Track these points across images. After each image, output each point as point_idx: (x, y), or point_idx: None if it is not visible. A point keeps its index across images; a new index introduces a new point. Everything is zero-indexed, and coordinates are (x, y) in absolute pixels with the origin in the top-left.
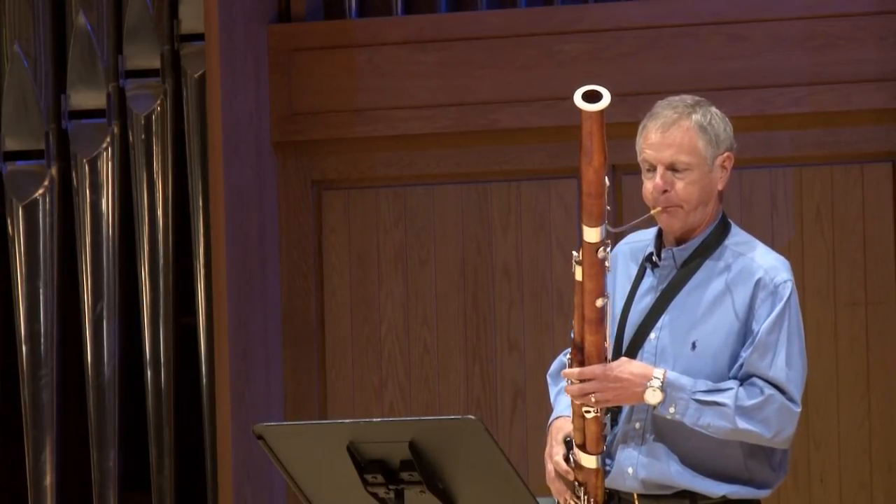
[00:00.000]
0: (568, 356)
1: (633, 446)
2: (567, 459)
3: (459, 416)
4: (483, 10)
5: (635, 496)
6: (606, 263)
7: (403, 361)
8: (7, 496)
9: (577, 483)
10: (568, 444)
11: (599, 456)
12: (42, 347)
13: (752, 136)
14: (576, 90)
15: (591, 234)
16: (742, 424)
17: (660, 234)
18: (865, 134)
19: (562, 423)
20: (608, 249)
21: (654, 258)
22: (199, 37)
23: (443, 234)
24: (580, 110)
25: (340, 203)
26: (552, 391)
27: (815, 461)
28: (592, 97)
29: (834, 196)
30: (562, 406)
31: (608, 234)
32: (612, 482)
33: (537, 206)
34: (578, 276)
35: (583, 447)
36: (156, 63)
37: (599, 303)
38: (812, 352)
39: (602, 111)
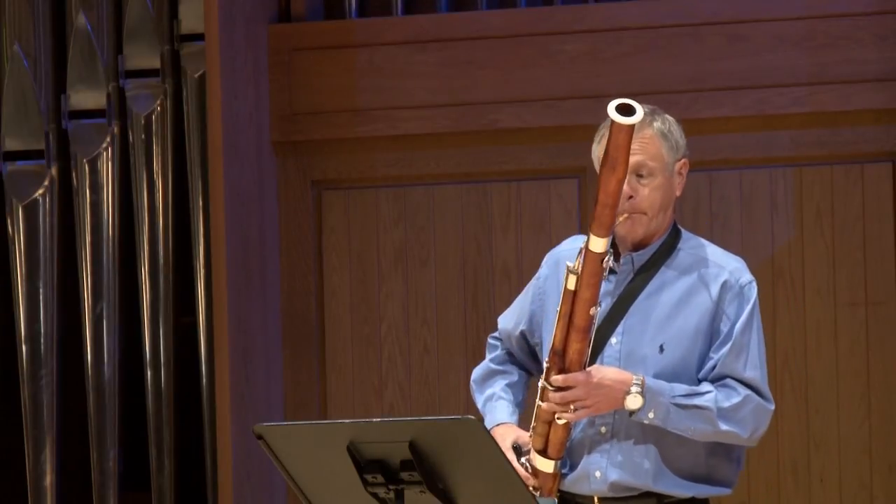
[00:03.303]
0: (546, 362)
1: (600, 450)
2: (520, 465)
3: (459, 416)
4: (483, 10)
5: (596, 499)
6: (605, 273)
7: (403, 361)
8: (7, 496)
9: (532, 488)
10: (517, 450)
11: (558, 461)
12: (42, 347)
13: (752, 136)
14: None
15: (598, 244)
16: (723, 426)
17: (613, 241)
18: (865, 134)
19: (504, 430)
20: (610, 260)
21: (612, 264)
22: (199, 37)
23: (443, 234)
24: (612, 122)
25: (340, 203)
26: (479, 398)
27: (815, 461)
28: (625, 110)
29: (834, 196)
30: (499, 413)
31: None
32: (572, 486)
33: (537, 206)
34: (571, 284)
35: (542, 452)
36: (156, 63)
37: (593, 311)
38: (812, 352)
39: (633, 126)
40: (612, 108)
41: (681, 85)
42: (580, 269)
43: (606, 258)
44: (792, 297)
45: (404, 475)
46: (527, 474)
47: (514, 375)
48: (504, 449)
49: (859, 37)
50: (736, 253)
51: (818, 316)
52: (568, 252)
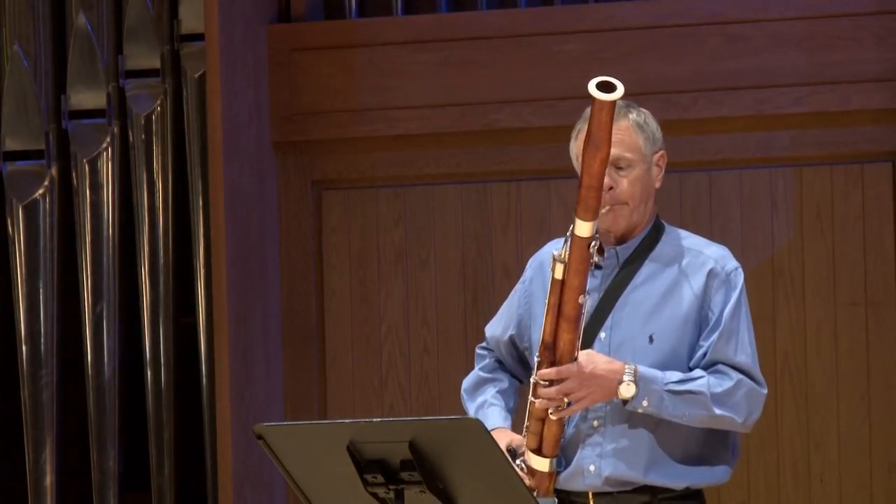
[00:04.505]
0: (536, 357)
1: (593, 444)
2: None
3: (459, 416)
4: (483, 10)
5: (591, 495)
6: (593, 260)
7: (403, 361)
8: (7, 496)
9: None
10: (511, 453)
11: (553, 459)
12: (42, 347)
13: (752, 136)
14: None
15: (585, 229)
16: (717, 411)
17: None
18: (865, 134)
19: (497, 434)
20: (597, 244)
21: (597, 258)
22: (199, 37)
23: (443, 234)
24: (593, 99)
25: (340, 203)
26: (470, 406)
27: (815, 461)
28: (606, 87)
29: (834, 196)
30: (492, 419)
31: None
32: (566, 483)
33: (537, 206)
34: (558, 273)
35: (537, 451)
36: (156, 63)
37: (582, 299)
38: (812, 352)
39: (615, 102)
40: (592, 85)
41: (681, 85)
42: (567, 256)
43: (593, 243)
44: (792, 297)
45: (404, 475)
46: (522, 475)
47: (505, 382)
48: None
49: (859, 37)
50: (736, 253)
51: (818, 316)
52: (551, 253)
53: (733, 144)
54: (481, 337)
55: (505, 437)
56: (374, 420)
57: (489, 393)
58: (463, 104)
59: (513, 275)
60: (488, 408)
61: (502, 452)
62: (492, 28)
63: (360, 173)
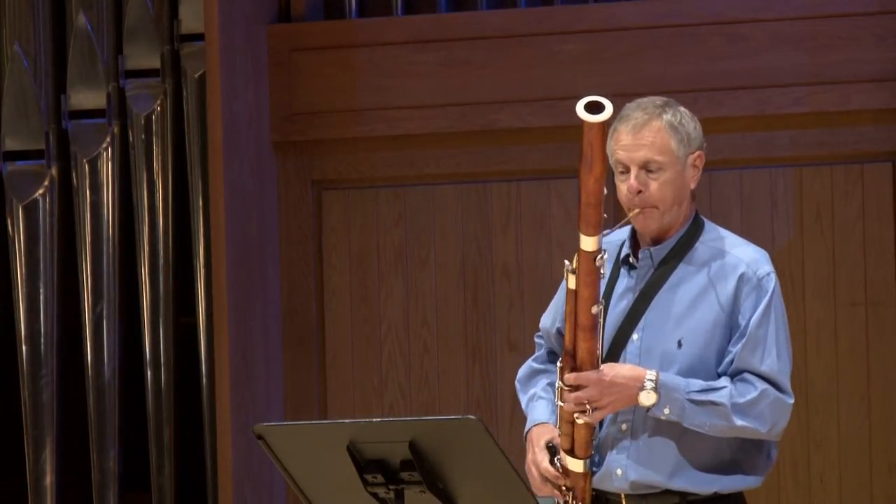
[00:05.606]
0: (559, 363)
1: (621, 448)
2: (552, 465)
3: (459, 416)
4: (483, 10)
5: (623, 496)
6: (602, 271)
7: (403, 361)
8: (7, 496)
9: (564, 488)
10: (551, 450)
11: (587, 460)
12: (42, 347)
13: (752, 136)
14: (579, 95)
15: (589, 243)
16: (739, 422)
17: (633, 236)
18: (865, 134)
19: (541, 429)
20: (604, 257)
21: (632, 259)
22: (199, 37)
23: (443, 234)
24: (582, 121)
25: (340, 203)
26: (523, 398)
27: (815, 461)
28: (595, 107)
29: (834, 196)
30: (538, 413)
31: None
32: (599, 483)
33: (537, 206)
34: (571, 284)
35: (570, 452)
36: (156, 63)
37: (594, 310)
38: (812, 352)
39: (604, 123)
40: (580, 106)
41: (681, 85)
42: (576, 268)
43: (600, 255)
44: (792, 297)
45: (404, 475)
46: (557, 474)
47: (555, 374)
48: (538, 449)
49: (859, 37)
50: None
51: (818, 316)
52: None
53: (733, 144)
54: (481, 337)
55: (547, 434)
56: (374, 420)
57: (540, 385)
58: (463, 104)
59: (512, 275)
60: (536, 401)
61: (502, 452)
62: (492, 28)
63: (360, 173)
